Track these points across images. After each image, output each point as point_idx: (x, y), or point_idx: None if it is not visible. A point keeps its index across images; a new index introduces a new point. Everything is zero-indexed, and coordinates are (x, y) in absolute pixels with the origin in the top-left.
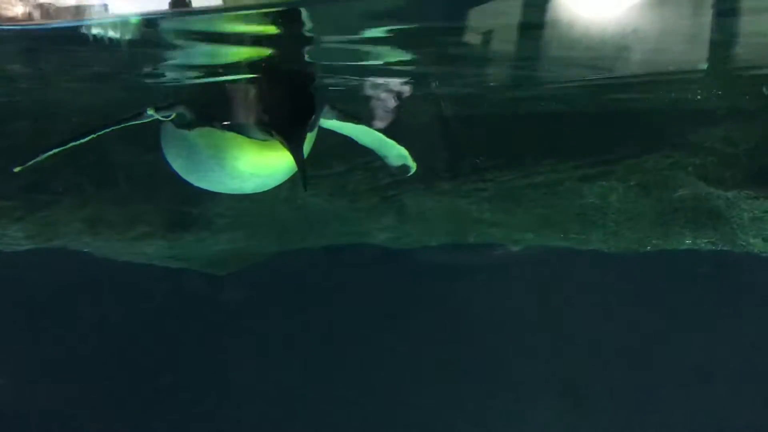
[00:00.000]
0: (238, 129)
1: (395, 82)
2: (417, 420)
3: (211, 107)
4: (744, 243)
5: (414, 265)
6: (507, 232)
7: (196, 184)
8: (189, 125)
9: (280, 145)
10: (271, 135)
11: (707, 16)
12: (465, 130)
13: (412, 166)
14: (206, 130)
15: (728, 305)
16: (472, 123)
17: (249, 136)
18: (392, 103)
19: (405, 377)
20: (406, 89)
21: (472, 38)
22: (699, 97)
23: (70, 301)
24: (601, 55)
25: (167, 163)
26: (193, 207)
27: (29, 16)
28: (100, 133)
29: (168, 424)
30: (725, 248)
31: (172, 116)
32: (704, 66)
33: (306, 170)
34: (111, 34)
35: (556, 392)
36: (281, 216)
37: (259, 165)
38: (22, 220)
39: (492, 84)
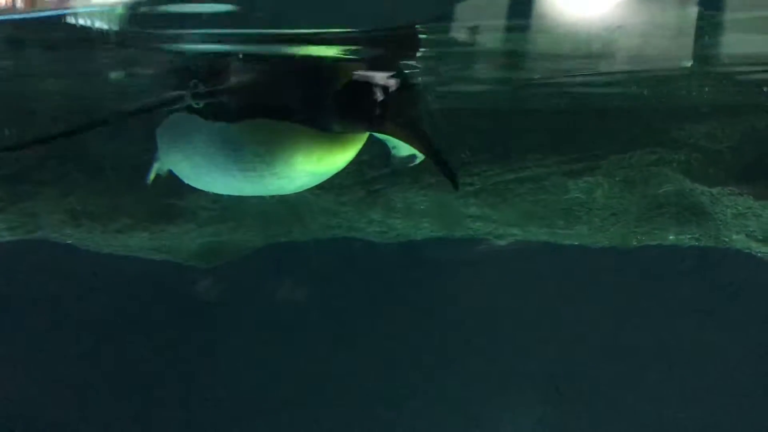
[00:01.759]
0: (309, 121)
1: (382, 76)
2: (401, 413)
3: (270, 94)
4: (727, 239)
5: (400, 259)
6: (493, 227)
7: (210, 187)
8: (230, 116)
9: (345, 141)
10: (358, 127)
11: (692, 13)
12: (451, 125)
13: (420, 156)
14: (258, 122)
15: (711, 301)
16: (459, 118)
17: (322, 130)
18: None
19: (390, 371)
20: (393, 83)
21: (458, 34)
22: (684, 93)
23: (52, 294)
24: (587, 52)
25: (161, 160)
26: (178, 199)
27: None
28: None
29: (151, 416)
30: (708, 244)
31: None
32: (689, 63)
33: (450, 166)
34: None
35: (540, 386)
36: (267, 209)
37: (320, 163)
38: (3, 211)
39: (479, 79)
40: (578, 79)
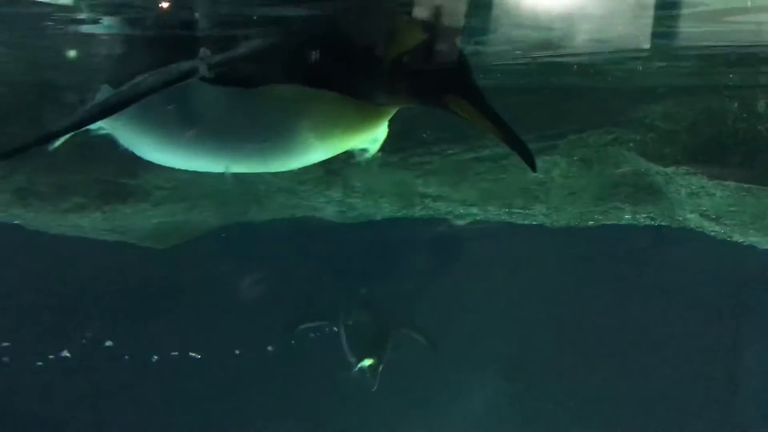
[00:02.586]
0: (351, 89)
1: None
2: (358, 391)
3: (304, 58)
4: (681, 218)
5: (360, 238)
6: (453, 206)
7: (190, 160)
8: (249, 81)
9: (381, 113)
10: (412, 100)
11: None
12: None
13: (373, 149)
14: (286, 87)
15: (666, 279)
16: None
17: (364, 100)
18: None
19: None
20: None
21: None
22: (641, 74)
23: (1, 276)
24: (548, 33)
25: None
26: (130, 178)
27: None
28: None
29: (99, 400)
30: (663, 223)
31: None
32: (647, 45)
33: (526, 145)
34: None
35: (498, 366)
36: (223, 188)
37: (346, 138)
38: None
39: None
40: (537, 60)
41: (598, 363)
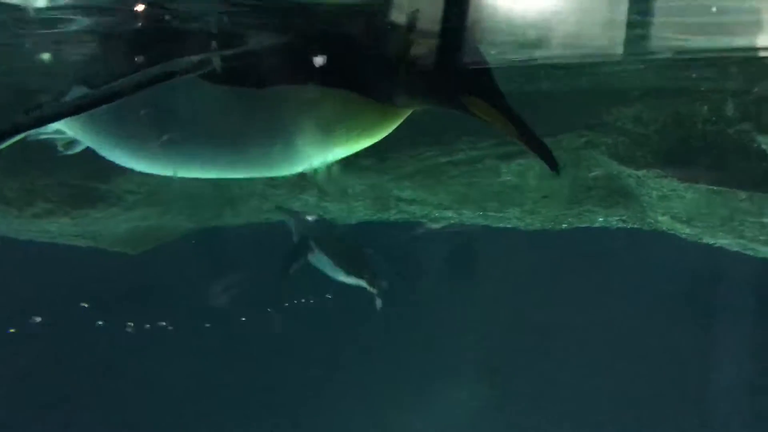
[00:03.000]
0: (370, 90)
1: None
2: (332, 395)
3: (320, 57)
4: (653, 221)
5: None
6: (428, 210)
7: (183, 165)
8: (261, 81)
9: (397, 114)
10: (432, 102)
11: (624, 1)
12: None
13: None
14: (300, 88)
15: (638, 281)
16: None
17: (382, 101)
18: None
19: (324, 355)
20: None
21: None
22: (614, 78)
23: None
24: (523, 37)
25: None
26: (100, 182)
27: None
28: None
29: (75, 407)
30: (635, 226)
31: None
32: (620, 49)
33: (548, 148)
34: None
35: (474, 368)
36: (196, 192)
37: (360, 140)
38: None
39: None
40: (512, 63)
41: (573, 362)
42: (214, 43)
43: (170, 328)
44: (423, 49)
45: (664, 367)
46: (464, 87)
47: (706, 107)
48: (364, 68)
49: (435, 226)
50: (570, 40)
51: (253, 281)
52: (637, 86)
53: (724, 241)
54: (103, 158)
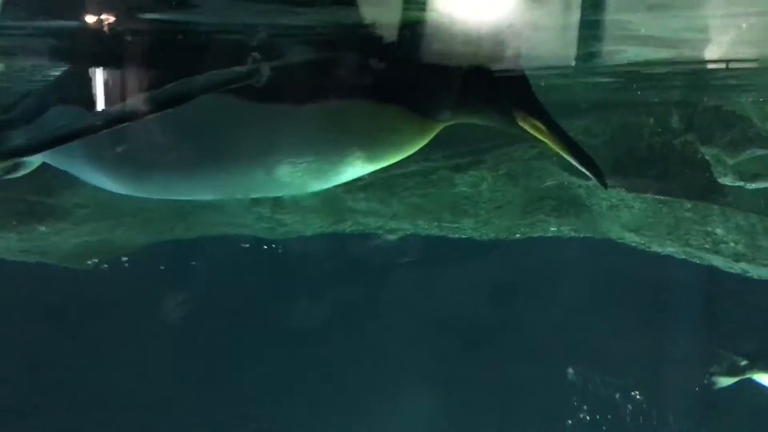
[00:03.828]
0: (418, 105)
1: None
2: (290, 407)
3: (370, 72)
4: (603, 230)
5: (290, 255)
6: (383, 221)
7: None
8: (306, 97)
9: (432, 129)
10: (483, 117)
11: (576, 14)
12: None
13: None
14: (346, 104)
15: (591, 289)
16: None
17: (429, 117)
18: None
19: (276, 370)
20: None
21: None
22: (564, 90)
23: None
24: (477, 49)
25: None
26: (47, 196)
27: None
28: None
29: (24, 419)
30: (587, 235)
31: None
32: (572, 62)
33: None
34: None
35: (427, 379)
36: (148, 206)
37: (396, 156)
38: None
39: None
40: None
41: (526, 370)
42: (254, 57)
43: (122, 343)
44: (474, 63)
45: (614, 373)
46: (517, 103)
47: (652, 119)
48: (412, 83)
49: (390, 237)
50: (523, 54)
51: (208, 295)
52: (587, 99)
53: (671, 249)
54: (49, 172)
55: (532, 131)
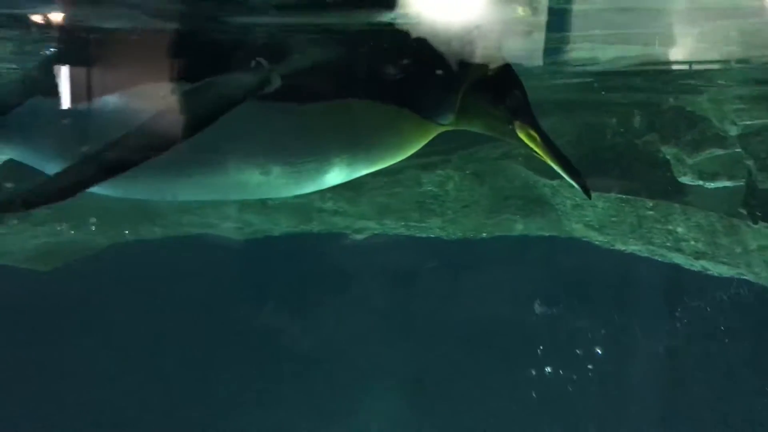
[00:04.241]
0: (422, 107)
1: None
2: (260, 408)
3: (378, 72)
4: (568, 229)
5: (257, 255)
6: (350, 221)
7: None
8: (311, 96)
9: (431, 132)
10: (483, 123)
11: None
12: None
13: None
14: (351, 102)
15: (556, 287)
16: None
17: (430, 119)
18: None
19: (244, 371)
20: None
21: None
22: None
23: None
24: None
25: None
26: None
27: None
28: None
29: None
30: (552, 234)
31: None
32: (539, 62)
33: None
34: None
35: (397, 378)
36: (111, 206)
37: (396, 156)
38: None
39: None
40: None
41: (494, 369)
42: (259, 62)
43: (84, 346)
44: (482, 72)
45: (580, 371)
46: (516, 113)
47: (614, 119)
48: (420, 85)
49: (358, 237)
50: (490, 54)
51: (172, 296)
52: (551, 99)
53: (634, 247)
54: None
55: (526, 140)
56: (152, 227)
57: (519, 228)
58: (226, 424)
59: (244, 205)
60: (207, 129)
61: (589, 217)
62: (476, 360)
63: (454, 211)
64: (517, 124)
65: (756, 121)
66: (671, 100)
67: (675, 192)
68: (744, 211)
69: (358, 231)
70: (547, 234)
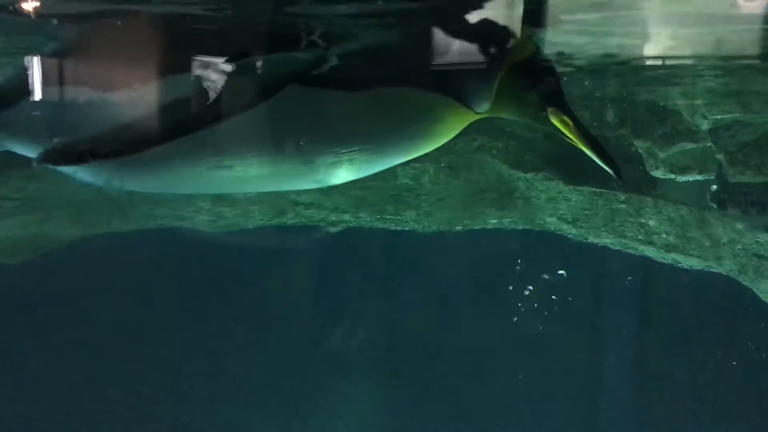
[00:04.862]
0: (466, 96)
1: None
2: (230, 401)
3: (427, 61)
4: (542, 222)
5: (231, 248)
6: (325, 214)
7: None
8: (362, 84)
9: (470, 119)
10: (520, 112)
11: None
12: None
13: None
14: (401, 91)
15: (529, 280)
16: None
17: (472, 108)
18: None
19: (219, 365)
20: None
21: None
22: None
23: None
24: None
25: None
26: None
27: None
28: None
29: None
30: (526, 227)
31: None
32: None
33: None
34: None
35: (369, 372)
36: (80, 197)
37: (434, 144)
38: None
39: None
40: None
41: (464, 366)
42: (317, 43)
43: (53, 340)
44: (519, 60)
45: (551, 366)
46: (551, 100)
47: (588, 113)
48: (464, 74)
49: (333, 229)
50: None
51: (144, 291)
52: None
53: (607, 240)
54: None
55: (560, 126)
56: (124, 219)
57: (493, 221)
58: (200, 420)
59: (217, 197)
60: (254, 121)
61: (563, 211)
62: (449, 354)
63: (429, 204)
64: (550, 110)
65: (726, 116)
66: (644, 94)
67: (647, 185)
68: (714, 205)
69: (333, 224)
70: (521, 227)
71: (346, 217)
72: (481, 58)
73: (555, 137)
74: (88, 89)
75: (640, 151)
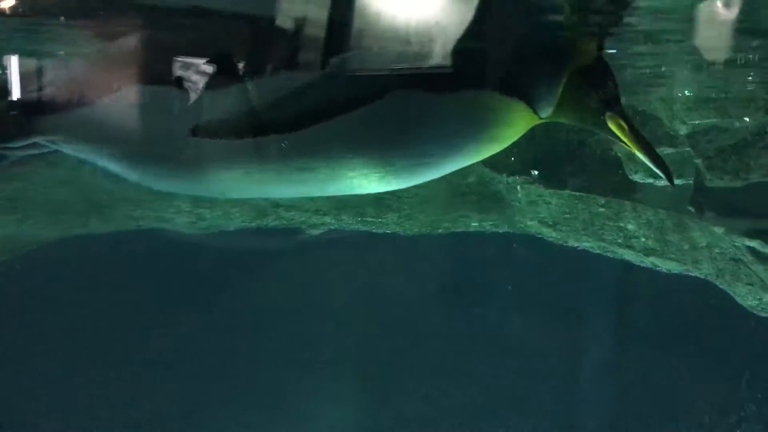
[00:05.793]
0: (536, 101)
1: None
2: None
3: (507, 65)
4: (522, 225)
5: (211, 250)
6: (306, 216)
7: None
8: (449, 86)
9: (528, 124)
10: (581, 118)
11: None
12: None
13: None
14: (485, 94)
15: (511, 282)
16: None
17: (538, 113)
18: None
19: (202, 364)
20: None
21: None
22: None
23: None
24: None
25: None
26: None
27: None
28: None
29: None
30: (507, 230)
31: None
32: None
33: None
34: None
35: (352, 373)
36: (58, 198)
37: (508, 142)
38: None
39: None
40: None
41: (449, 366)
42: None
43: (30, 343)
44: (581, 64)
45: (534, 367)
46: (609, 104)
47: None
48: (534, 79)
49: (314, 232)
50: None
51: (123, 292)
52: None
53: (586, 243)
54: None
55: (616, 130)
56: (103, 221)
57: (474, 224)
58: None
59: (197, 199)
60: (326, 124)
61: (543, 214)
62: (430, 354)
63: (410, 206)
64: (608, 115)
65: (704, 121)
66: (623, 99)
67: (626, 189)
68: (692, 209)
69: (314, 226)
70: (501, 230)
71: (328, 219)
72: (550, 62)
73: (534, 141)
74: (170, 89)
75: (619, 155)
